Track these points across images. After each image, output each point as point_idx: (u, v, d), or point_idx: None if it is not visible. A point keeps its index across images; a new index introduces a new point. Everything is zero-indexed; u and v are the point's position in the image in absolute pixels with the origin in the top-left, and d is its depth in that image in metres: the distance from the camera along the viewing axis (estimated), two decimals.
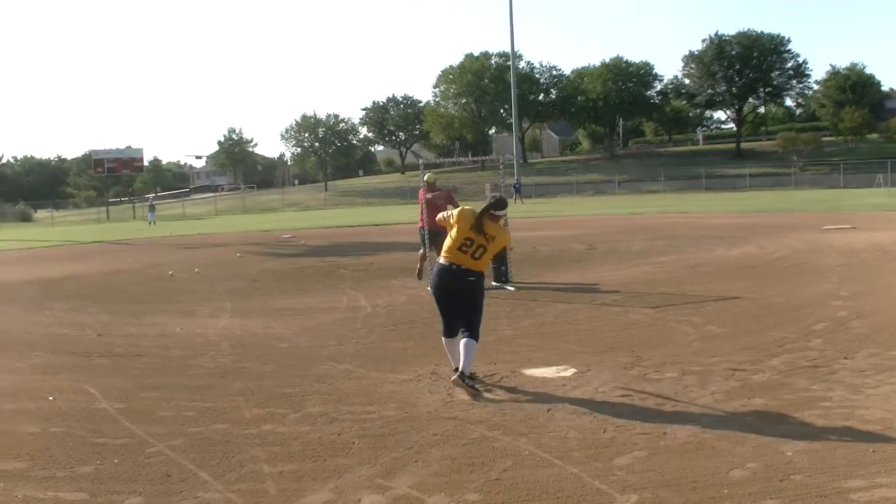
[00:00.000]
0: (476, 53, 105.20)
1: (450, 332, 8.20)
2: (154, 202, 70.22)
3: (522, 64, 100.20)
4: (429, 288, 8.49)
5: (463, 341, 7.91)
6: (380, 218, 44.44)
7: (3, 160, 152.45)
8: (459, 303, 8.10)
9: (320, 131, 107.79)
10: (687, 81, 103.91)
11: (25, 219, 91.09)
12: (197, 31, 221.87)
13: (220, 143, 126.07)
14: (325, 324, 12.43)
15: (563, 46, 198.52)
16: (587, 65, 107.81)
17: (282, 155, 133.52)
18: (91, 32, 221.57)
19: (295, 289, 17.15)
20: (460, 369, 7.81)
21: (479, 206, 8.53)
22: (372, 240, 29.56)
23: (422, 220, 15.85)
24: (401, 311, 13.29)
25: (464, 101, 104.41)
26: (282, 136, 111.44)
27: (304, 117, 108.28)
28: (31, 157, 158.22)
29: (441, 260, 8.20)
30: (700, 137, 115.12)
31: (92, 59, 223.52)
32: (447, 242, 8.24)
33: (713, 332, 10.44)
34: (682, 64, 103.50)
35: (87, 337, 12.21)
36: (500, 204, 8.37)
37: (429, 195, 15.63)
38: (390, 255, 22.93)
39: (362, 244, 28.07)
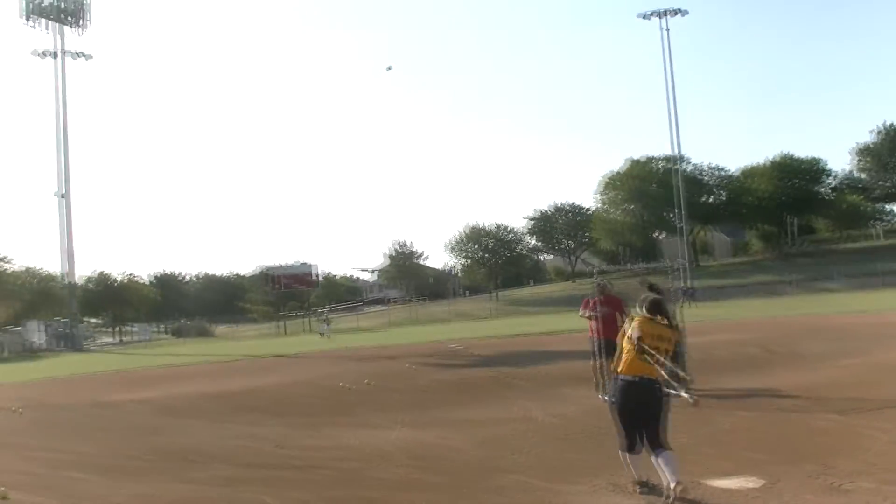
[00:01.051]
0: (640, 158, 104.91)
1: (632, 447, 8.03)
2: (328, 316, 72.26)
3: (688, 167, 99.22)
4: (606, 398, 8.22)
5: (662, 458, 7.70)
6: (550, 326, 44.07)
7: (185, 279, 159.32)
8: (646, 415, 7.92)
9: (488, 242, 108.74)
10: (859, 175, 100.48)
11: (205, 334, 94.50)
12: (363, 147, 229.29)
13: (389, 256, 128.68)
14: (498, 434, 12.35)
15: (728, 147, 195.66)
16: (754, 163, 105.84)
17: (450, 266, 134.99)
18: (261, 155, 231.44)
19: (467, 399, 17.14)
20: (677, 479, 7.57)
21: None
22: (542, 349, 29.30)
23: (592, 329, 15.69)
24: (575, 421, 13.08)
25: (629, 206, 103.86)
26: (450, 247, 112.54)
27: (471, 228, 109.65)
28: (210, 274, 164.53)
29: (624, 375, 8.05)
30: (879, 232, 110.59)
31: (263, 179, 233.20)
32: (625, 356, 8.11)
33: None
34: (852, 157, 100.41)
35: (266, 449, 12.49)
36: (655, 306, 8.24)
37: (605, 308, 15.46)
38: (561, 364, 22.62)
39: (533, 353, 27.83)
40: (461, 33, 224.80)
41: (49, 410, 21.02)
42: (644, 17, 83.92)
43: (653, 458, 7.81)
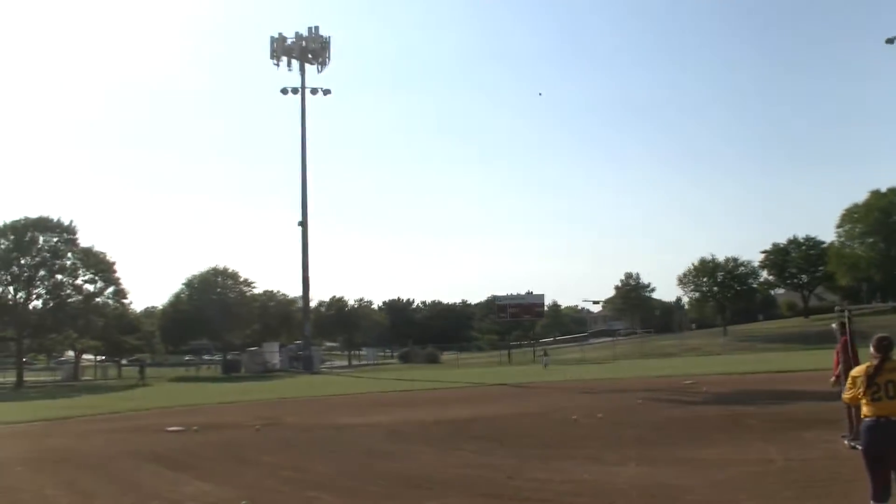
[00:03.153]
0: (883, 189, 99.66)
1: (881, 496, 7.57)
2: (545, 348, 72.95)
3: None
4: (849, 443, 7.75)
5: None
6: (783, 364, 42.53)
7: (414, 305, 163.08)
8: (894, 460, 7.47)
9: (719, 275, 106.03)
10: None
11: (433, 360, 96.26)
12: (597, 178, 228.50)
13: (617, 288, 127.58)
14: (734, 476, 11.94)
15: None
16: None
17: (679, 299, 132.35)
18: (492, 183, 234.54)
19: (700, 438, 16.68)
20: None
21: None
22: (777, 387, 28.23)
23: (836, 370, 14.95)
24: (816, 467, 12.45)
25: (871, 240, 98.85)
26: (679, 280, 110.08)
27: (703, 261, 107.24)
28: (439, 301, 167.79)
29: (870, 416, 7.64)
30: None
31: (493, 214, 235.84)
32: (864, 398, 7.73)
33: None
34: None
35: (498, 479, 12.55)
36: (880, 345, 7.79)
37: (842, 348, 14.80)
38: (799, 405, 21.71)
39: (767, 392, 26.88)
40: (702, 68, 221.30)
41: (287, 430, 21.95)
42: (890, 42, 79.76)
43: None
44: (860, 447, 7.90)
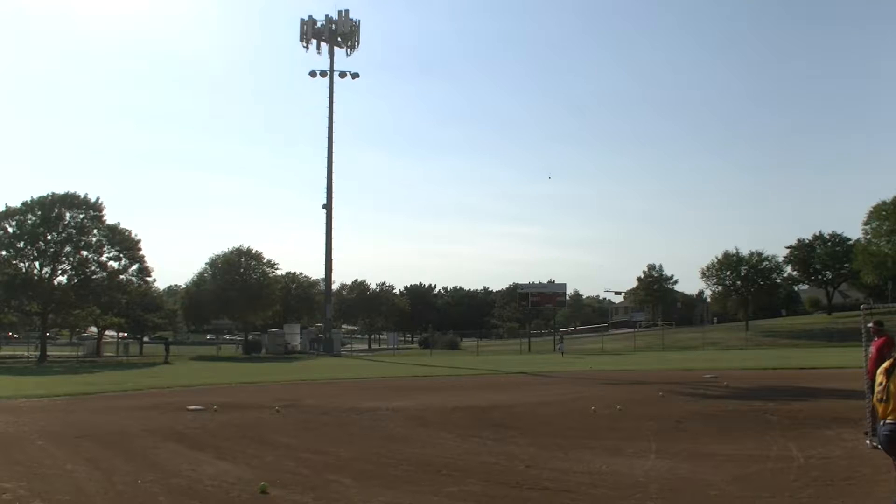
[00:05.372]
0: None
1: None
2: (563, 336, 73.29)
3: None
4: (874, 444, 7.70)
5: None
6: (806, 361, 42.36)
7: (436, 291, 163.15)
8: None
9: (743, 269, 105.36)
10: None
11: (453, 346, 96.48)
12: (616, 172, 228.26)
13: (639, 279, 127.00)
14: (755, 473, 11.88)
15: None
16: None
17: (701, 292, 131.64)
18: (513, 178, 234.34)
19: (720, 432, 16.61)
20: None
21: None
22: (799, 384, 28.12)
23: (870, 370, 14.79)
24: (837, 465, 12.36)
25: None
26: (702, 273, 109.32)
27: (727, 255, 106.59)
28: (461, 288, 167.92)
29: (889, 419, 7.58)
30: None
31: (518, 202, 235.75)
32: (875, 398, 7.70)
33: None
34: None
35: (517, 468, 12.56)
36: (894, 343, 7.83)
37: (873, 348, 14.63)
38: (821, 402, 21.58)
39: (789, 388, 26.78)
40: (730, 63, 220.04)
41: (307, 412, 22.01)
42: None
43: None
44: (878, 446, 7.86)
